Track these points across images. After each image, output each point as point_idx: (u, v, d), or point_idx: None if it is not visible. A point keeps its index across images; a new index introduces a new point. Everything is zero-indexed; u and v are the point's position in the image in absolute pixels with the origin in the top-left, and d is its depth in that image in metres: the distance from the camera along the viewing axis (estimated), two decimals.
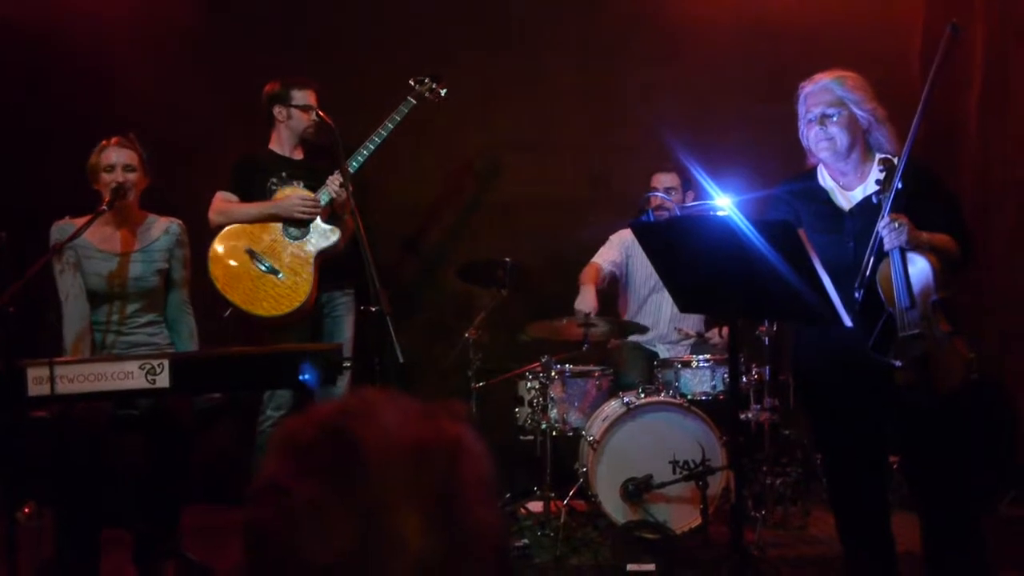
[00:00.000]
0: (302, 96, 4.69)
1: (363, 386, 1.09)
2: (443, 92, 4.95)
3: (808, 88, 3.35)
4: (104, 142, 3.85)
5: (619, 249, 5.21)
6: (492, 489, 1.04)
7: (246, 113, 5.11)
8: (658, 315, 5.19)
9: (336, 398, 1.07)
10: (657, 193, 4.99)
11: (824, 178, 3.37)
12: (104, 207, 3.71)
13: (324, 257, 4.61)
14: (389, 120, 4.73)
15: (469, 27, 5.68)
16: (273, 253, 4.56)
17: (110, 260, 3.80)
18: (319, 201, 4.58)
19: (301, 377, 3.25)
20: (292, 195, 4.58)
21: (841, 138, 3.24)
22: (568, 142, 5.70)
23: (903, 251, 3.06)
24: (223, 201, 4.63)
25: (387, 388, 1.05)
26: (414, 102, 4.84)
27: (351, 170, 4.55)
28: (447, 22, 5.67)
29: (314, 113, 4.67)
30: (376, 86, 5.43)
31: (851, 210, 3.28)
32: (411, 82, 4.89)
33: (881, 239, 3.07)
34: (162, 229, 3.93)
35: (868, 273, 3.11)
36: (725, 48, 5.70)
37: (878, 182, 3.14)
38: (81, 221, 3.75)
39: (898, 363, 3.08)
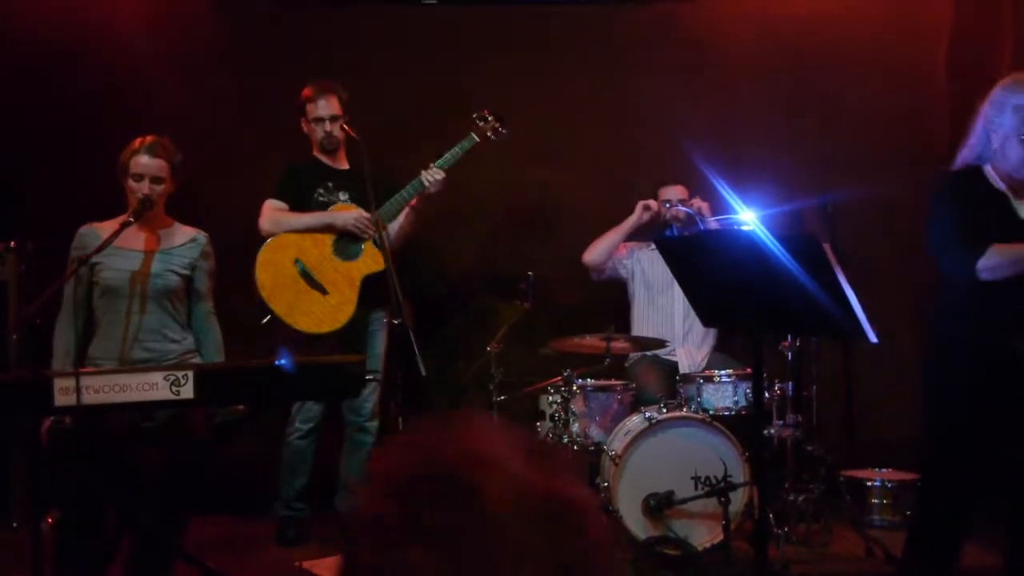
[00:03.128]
0: (314, 108, 4.71)
1: (470, 411, 0.97)
2: (504, 131, 4.85)
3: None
4: (138, 142, 3.79)
5: (628, 254, 5.30)
6: (613, 561, 0.93)
7: (271, 122, 5.17)
8: (671, 315, 5.20)
9: (442, 427, 0.94)
10: (680, 207, 5.01)
11: (998, 181, 3.23)
12: (131, 219, 3.71)
13: (370, 280, 4.63)
14: (450, 154, 4.69)
15: (491, 40, 5.70)
16: (321, 269, 4.57)
17: (132, 258, 3.78)
18: (372, 227, 4.58)
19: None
20: (350, 215, 4.59)
21: None
22: (590, 155, 5.71)
23: None
24: (274, 209, 4.66)
25: (482, 415, 0.96)
26: (477, 139, 4.76)
27: (400, 203, 4.60)
28: (469, 35, 5.70)
29: (326, 124, 4.69)
30: (399, 97, 5.47)
31: None
32: (474, 116, 4.82)
33: None
34: (188, 237, 3.93)
35: None
36: (748, 60, 5.70)
37: None
38: (107, 225, 3.76)
39: None
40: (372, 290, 4.65)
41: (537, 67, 5.70)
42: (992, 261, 3.15)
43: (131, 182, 3.77)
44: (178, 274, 3.85)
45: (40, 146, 5.40)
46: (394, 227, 4.72)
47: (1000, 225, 3.13)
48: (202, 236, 3.98)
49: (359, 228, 4.58)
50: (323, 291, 4.54)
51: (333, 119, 4.71)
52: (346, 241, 4.63)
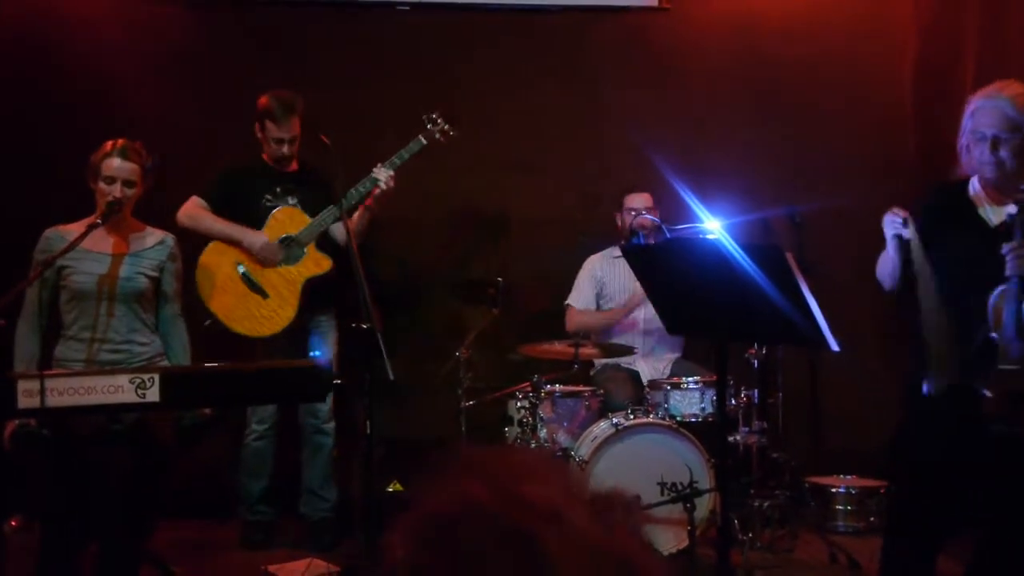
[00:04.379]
0: (275, 128, 4.65)
1: (517, 448, 0.82)
2: (454, 133, 4.78)
3: (979, 103, 3.14)
4: (110, 144, 3.78)
5: (590, 284, 5.30)
6: None
7: (242, 125, 5.14)
8: (632, 328, 5.22)
9: (486, 467, 0.84)
10: (647, 215, 5.05)
11: (975, 189, 3.22)
12: (98, 220, 3.70)
13: (313, 283, 4.63)
14: (396, 156, 4.64)
15: (463, 47, 5.71)
16: (262, 272, 4.58)
17: (101, 261, 3.77)
18: (279, 255, 4.58)
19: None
20: (258, 240, 4.57)
21: (1011, 162, 3.08)
22: (560, 163, 5.73)
23: (1023, 281, 2.92)
24: (196, 206, 4.64)
25: (528, 451, 0.84)
26: (424, 142, 4.71)
27: (348, 203, 4.54)
28: (441, 42, 5.71)
29: (284, 147, 4.66)
30: (369, 101, 5.47)
31: (1001, 225, 3.13)
32: (424, 118, 4.76)
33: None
34: (156, 239, 3.93)
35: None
36: (718, 70, 5.74)
37: (1019, 203, 2.98)
38: (72, 227, 3.74)
39: (987, 392, 2.96)
40: (316, 293, 4.66)
41: (508, 73, 5.72)
42: (878, 272, 3.33)
43: (102, 184, 3.76)
44: (147, 276, 3.84)
45: (4, 148, 5.34)
46: (339, 227, 4.66)
47: (958, 234, 3.15)
48: (170, 238, 3.99)
49: (263, 258, 4.58)
50: (263, 295, 4.56)
51: (292, 141, 4.69)
52: (288, 245, 4.63)
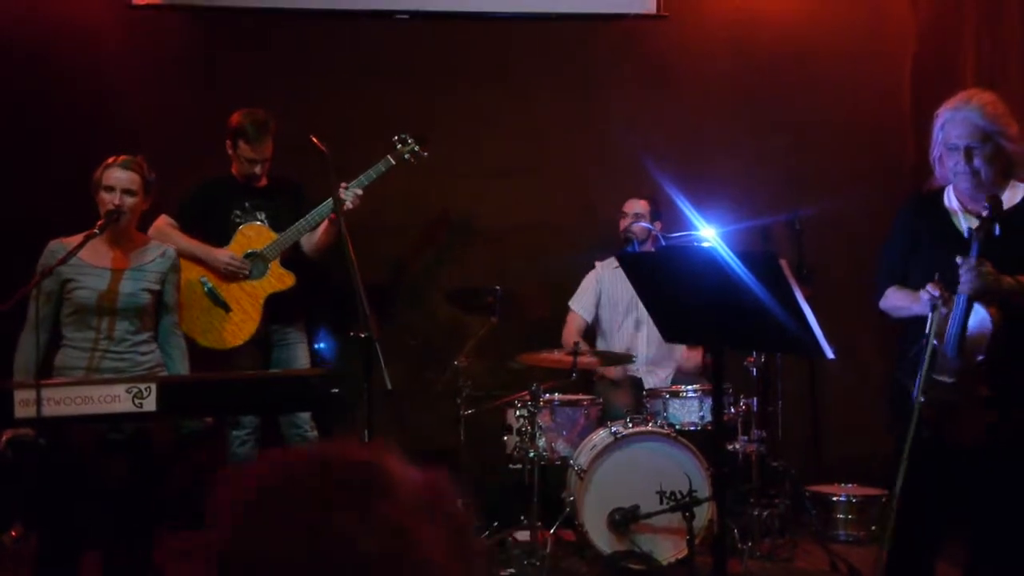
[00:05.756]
0: (247, 149, 4.66)
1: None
2: (424, 154, 4.90)
3: (947, 115, 3.14)
4: (111, 159, 3.83)
5: (593, 290, 5.32)
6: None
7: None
8: (634, 337, 5.22)
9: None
10: (642, 223, 5.05)
11: (950, 199, 3.24)
12: (96, 230, 3.72)
13: (276, 297, 4.67)
14: (364, 176, 4.72)
15: (461, 54, 5.73)
16: (226, 286, 4.63)
17: (102, 276, 3.80)
18: (247, 267, 4.63)
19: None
20: (223, 254, 4.61)
21: (986, 171, 3.09)
22: (558, 169, 5.73)
23: (971, 299, 2.93)
24: (165, 224, 4.68)
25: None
26: (392, 162, 4.81)
27: (312, 222, 4.63)
28: (440, 50, 5.72)
29: (257, 167, 4.69)
30: (367, 114, 5.48)
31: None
32: (395, 139, 4.87)
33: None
34: (158, 252, 3.96)
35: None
36: (716, 79, 5.75)
37: (980, 217, 2.98)
38: (76, 239, 3.76)
39: (922, 398, 2.98)
40: (285, 306, 4.71)
41: (506, 81, 5.73)
42: (885, 303, 3.32)
43: (102, 194, 3.80)
44: (150, 291, 3.88)
45: (8, 156, 5.36)
46: (310, 240, 4.74)
47: (936, 244, 3.16)
48: (171, 250, 4.04)
49: (229, 271, 4.62)
50: (226, 308, 4.61)
51: (264, 162, 4.72)
52: (253, 260, 4.66)
